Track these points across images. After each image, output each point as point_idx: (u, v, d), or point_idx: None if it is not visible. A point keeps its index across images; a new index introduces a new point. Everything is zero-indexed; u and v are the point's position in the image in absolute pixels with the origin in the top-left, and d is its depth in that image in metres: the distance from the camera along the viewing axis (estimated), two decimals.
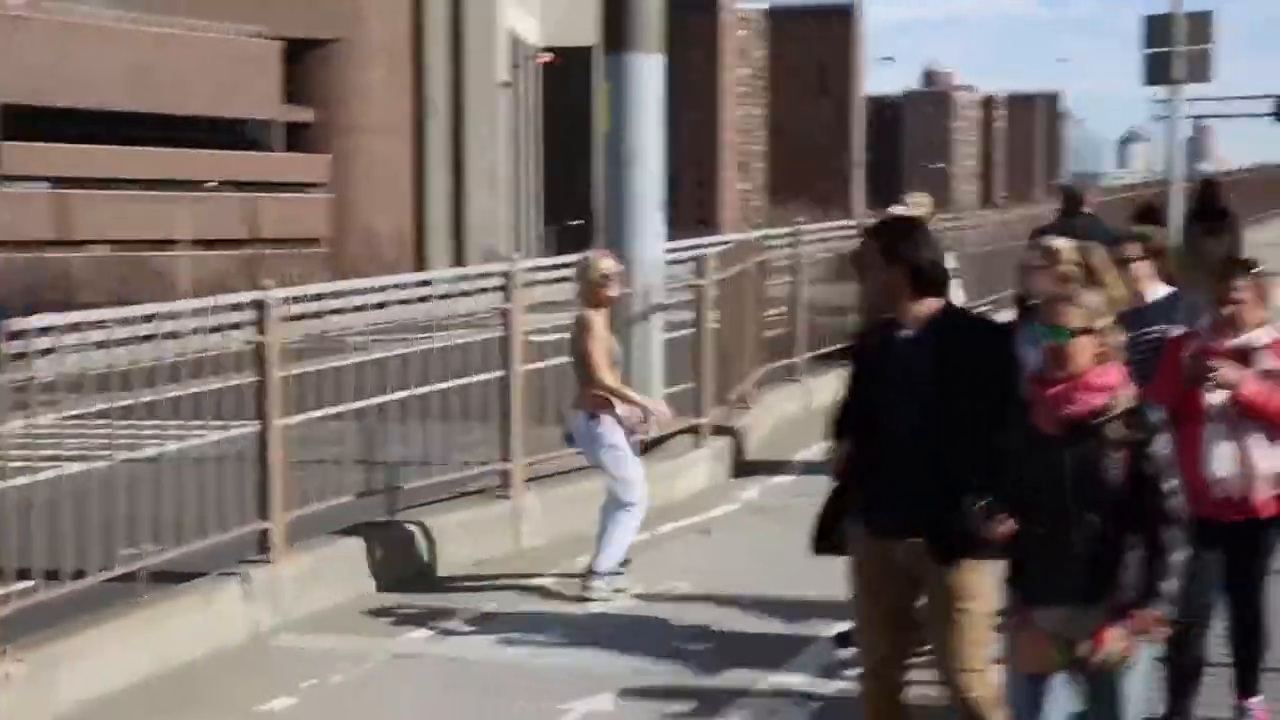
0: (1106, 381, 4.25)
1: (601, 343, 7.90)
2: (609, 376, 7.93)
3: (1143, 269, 6.35)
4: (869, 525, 4.90)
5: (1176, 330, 5.96)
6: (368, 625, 7.52)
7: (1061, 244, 6.90)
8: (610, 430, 7.90)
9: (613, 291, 8.04)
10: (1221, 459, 5.36)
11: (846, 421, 4.98)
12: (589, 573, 7.88)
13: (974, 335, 4.82)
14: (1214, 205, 12.86)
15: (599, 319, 7.95)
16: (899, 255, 4.81)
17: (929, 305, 4.79)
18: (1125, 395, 4.27)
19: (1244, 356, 5.38)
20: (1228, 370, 5.29)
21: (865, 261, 4.91)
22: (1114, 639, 4.17)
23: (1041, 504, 4.25)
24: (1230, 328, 5.45)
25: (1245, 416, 5.33)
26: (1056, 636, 4.26)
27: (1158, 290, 6.33)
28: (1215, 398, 5.33)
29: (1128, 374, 5.79)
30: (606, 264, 8.09)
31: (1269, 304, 5.49)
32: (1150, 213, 13.06)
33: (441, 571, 8.41)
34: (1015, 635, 4.40)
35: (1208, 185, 14.28)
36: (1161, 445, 4.25)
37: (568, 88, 76.95)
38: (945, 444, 4.63)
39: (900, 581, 4.89)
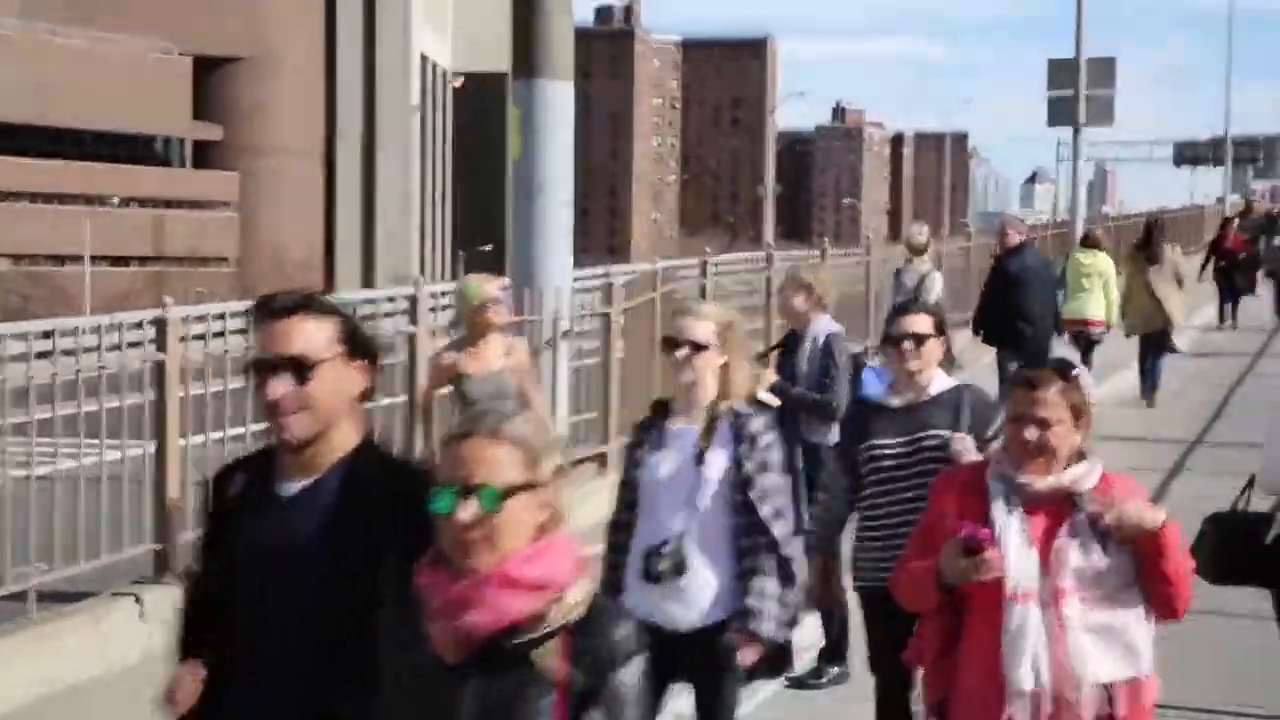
0: (543, 574, 2.52)
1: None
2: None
3: (932, 350, 4.99)
4: None
5: (963, 441, 4.75)
6: None
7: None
8: None
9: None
10: (1029, 661, 3.53)
11: (207, 617, 3.09)
12: None
13: (398, 496, 2.86)
14: (1158, 239, 15.51)
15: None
16: (365, 349, 3.01)
17: (345, 436, 2.97)
18: (575, 595, 2.54)
19: (1063, 502, 3.63)
20: (989, 560, 3.51)
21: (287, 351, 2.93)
22: None
23: None
24: (1039, 460, 3.63)
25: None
26: None
27: (941, 380, 5.02)
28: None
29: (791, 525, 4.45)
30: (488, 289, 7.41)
31: (1087, 423, 3.70)
32: (1092, 240, 15.41)
33: None
34: None
35: (1153, 222, 16.71)
36: (626, 685, 2.51)
37: (480, 113, 76.89)
38: (342, 660, 2.86)
39: None
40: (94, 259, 62.21)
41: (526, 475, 2.54)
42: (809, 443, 6.91)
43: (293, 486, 2.95)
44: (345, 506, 2.91)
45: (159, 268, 66.87)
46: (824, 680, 6.84)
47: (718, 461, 4.41)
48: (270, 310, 2.94)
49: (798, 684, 6.82)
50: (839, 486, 5.11)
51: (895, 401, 5.01)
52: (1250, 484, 5.55)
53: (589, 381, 10.77)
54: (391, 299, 9.82)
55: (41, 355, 7.19)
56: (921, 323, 4.97)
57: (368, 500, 2.90)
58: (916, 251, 13.19)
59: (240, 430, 8.16)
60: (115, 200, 66.63)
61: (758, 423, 4.48)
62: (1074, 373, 3.72)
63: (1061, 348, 13.31)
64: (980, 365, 14.22)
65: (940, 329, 5.05)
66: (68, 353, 7.33)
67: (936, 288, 12.82)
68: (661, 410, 4.61)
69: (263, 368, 2.91)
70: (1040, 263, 13.43)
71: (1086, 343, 14.52)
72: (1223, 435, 13.41)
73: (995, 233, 14.33)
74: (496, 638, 2.50)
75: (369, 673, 2.68)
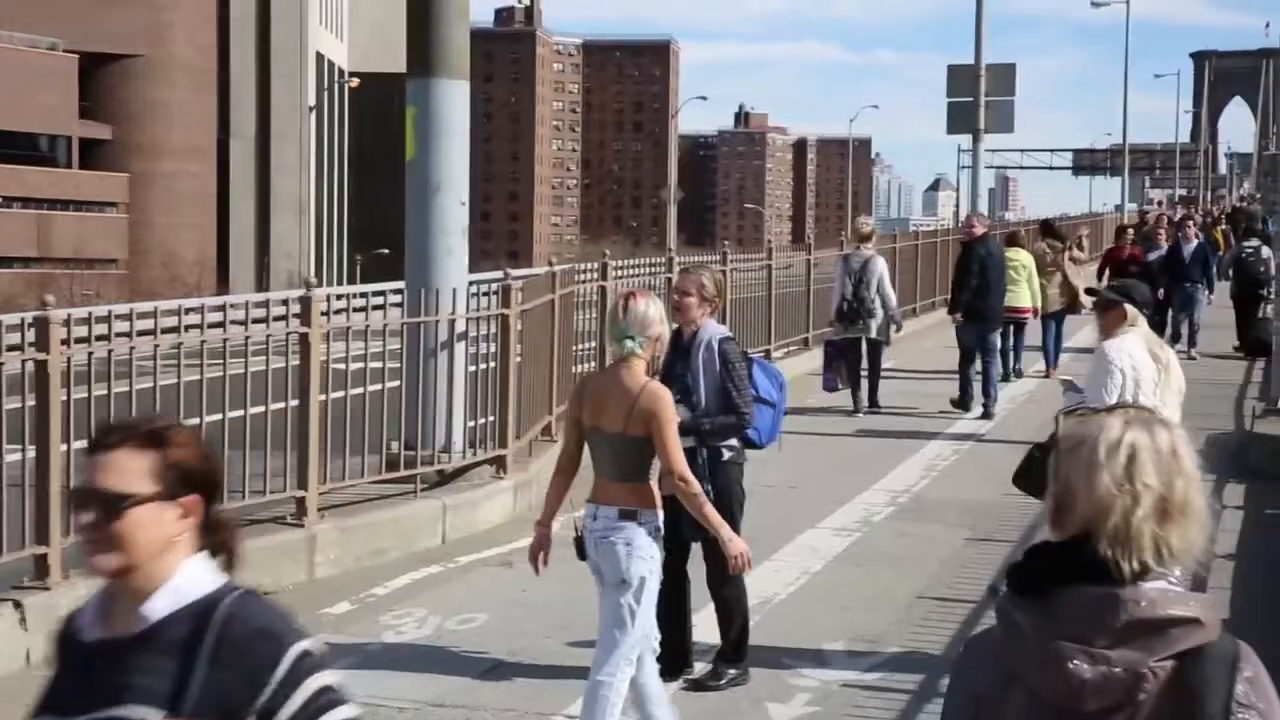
0: None
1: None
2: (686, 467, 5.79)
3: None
4: None
5: None
6: None
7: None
8: (651, 543, 5.76)
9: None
10: None
11: None
12: None
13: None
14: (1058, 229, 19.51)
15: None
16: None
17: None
18: None
19: None
20: None
21: None
22: None
23: None
24: None
25: None
26: None
27: (185, 586, 2.44)
28: None
29: None
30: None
31: None
32: (1017, 240, 17.78)
33: None
34: None
35: (1047, 220, 21.17)
36: None
37: (378, 115, 76.22)
38: None
39: None
40: None
41: None
42: (721, 460, 6.77)
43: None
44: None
45: (45, 269, 65.46)
46: (722, 682, 6.78)
47: None
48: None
49: (695, 685, 6.77)
50: None
51: (93, 634, 2.46)
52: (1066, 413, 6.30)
53: (486, 385, 10.64)
54: (284, 302, 9.61)
55: None
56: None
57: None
58: (863, 239, 14.84)
59: None
60: None
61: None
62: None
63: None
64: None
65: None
66: None
67: (879, 269, 14.63)
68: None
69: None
70: (999, 250, 15.80)
71: (1017, 327, 17.00)
72: None
73: (963, 226, 16.97)
74: None
75: None
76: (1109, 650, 2.11)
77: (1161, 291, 18.49)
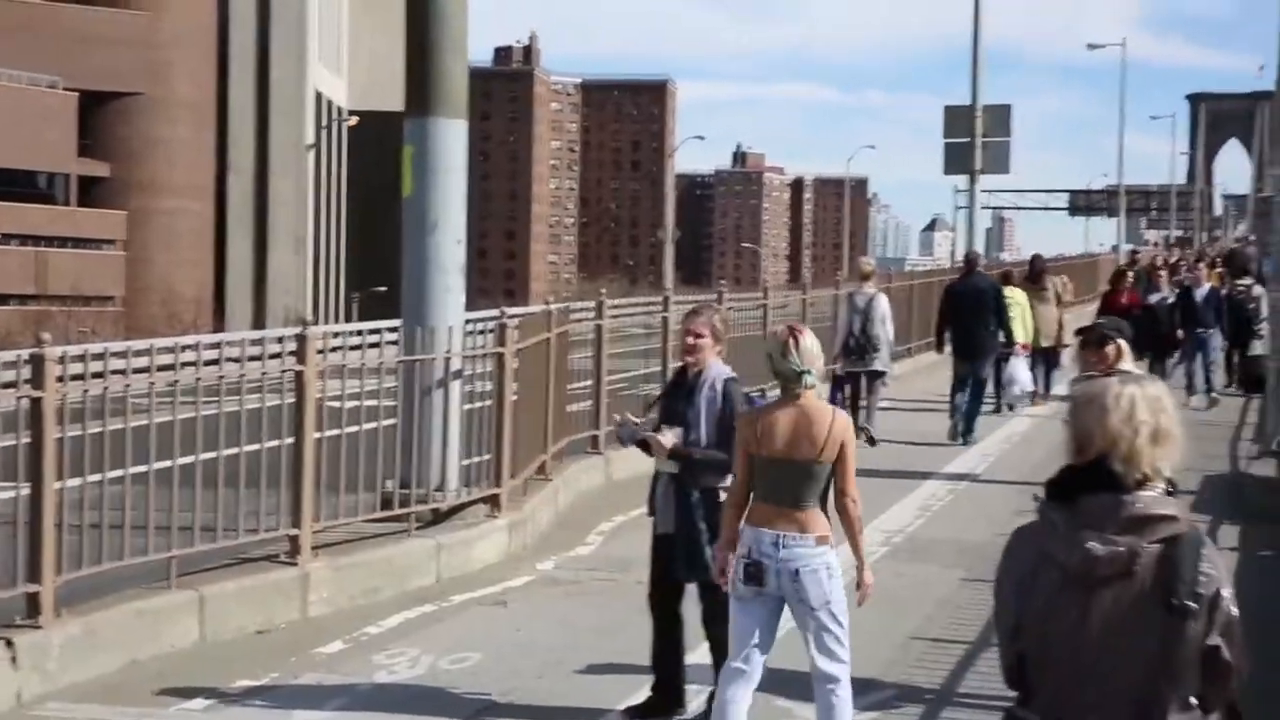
0: None
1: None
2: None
3: None
4: None
5: None
6: (140, 695, 7.22)
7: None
8: (838, 560, 6.00)
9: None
10: None
11: None
12: None
13: None
14: (1041, 268, 20.03)
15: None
16: None
17: None
18: None
19: None
20: None
21: None
22: None
23: None
24: None
25: None
26: None
27: None
28: None
29: None
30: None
31: None
32: (1012, 279, 18.37)
33: (221, 640, 8.13)
34: None
35: (1036, 256, 21.19)
36: None
37: (377, 153, 76.40)
38: None
39: None
40: None
41: None
42: (718, 500, 6.75)
43: None
44: None
45: (42, 306, 65.45)
46: None
47: None
48: None
49: None
50: None
51: None
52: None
53: (482, 423, 10.63)
54: (280, 339, 9.62)
55: None
56: None
57: None
58: (865, 278, 15.99)
59: (120, 473, 7.94)
60: None
61: None
62: None
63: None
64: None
65: None
66: None
67: (883, 306, 15.53)
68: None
69: None
70: (987, 284, 16.43)
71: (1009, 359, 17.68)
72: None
73: (963, 263, 17.97)
74: None
75: None
76: (1115, 536, 3.09)
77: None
